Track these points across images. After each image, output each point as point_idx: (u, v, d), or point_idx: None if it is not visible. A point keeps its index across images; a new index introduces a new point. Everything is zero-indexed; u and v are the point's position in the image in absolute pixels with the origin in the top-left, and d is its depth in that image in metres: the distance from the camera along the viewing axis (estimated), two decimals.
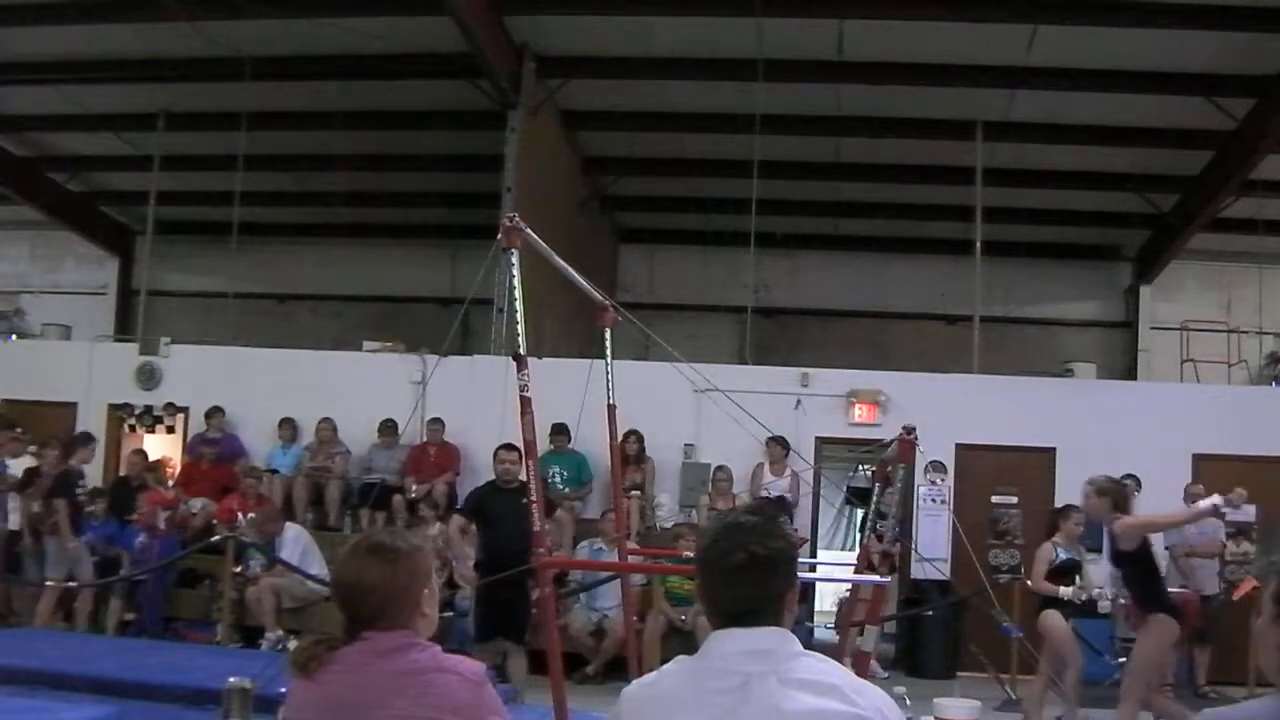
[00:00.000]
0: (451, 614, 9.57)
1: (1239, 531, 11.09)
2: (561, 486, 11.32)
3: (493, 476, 8.53)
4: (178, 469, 12.37)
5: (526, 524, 8.26)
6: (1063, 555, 8.29)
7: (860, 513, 13.33)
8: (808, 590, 11.09)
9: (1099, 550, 11.48)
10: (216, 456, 12.06)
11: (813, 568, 10.32)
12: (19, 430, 11.61)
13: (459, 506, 9.38)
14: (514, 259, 4.79)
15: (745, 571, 2.13)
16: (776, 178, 13.77)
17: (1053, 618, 8.13)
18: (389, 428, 11.70)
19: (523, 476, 8.31)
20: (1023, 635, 8.61)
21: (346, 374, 12.60)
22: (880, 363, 13.54)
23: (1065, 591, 8.10)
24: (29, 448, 11.52)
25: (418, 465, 11.71)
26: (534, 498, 4.78)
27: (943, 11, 11.36)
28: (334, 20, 11.57)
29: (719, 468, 11.37)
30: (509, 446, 8.46)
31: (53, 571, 10.36)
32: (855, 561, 8.61)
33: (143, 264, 16.06)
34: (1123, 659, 8.78)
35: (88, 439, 11.50)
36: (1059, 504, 11.65)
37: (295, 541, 10.53)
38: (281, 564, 10.25)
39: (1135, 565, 7.24)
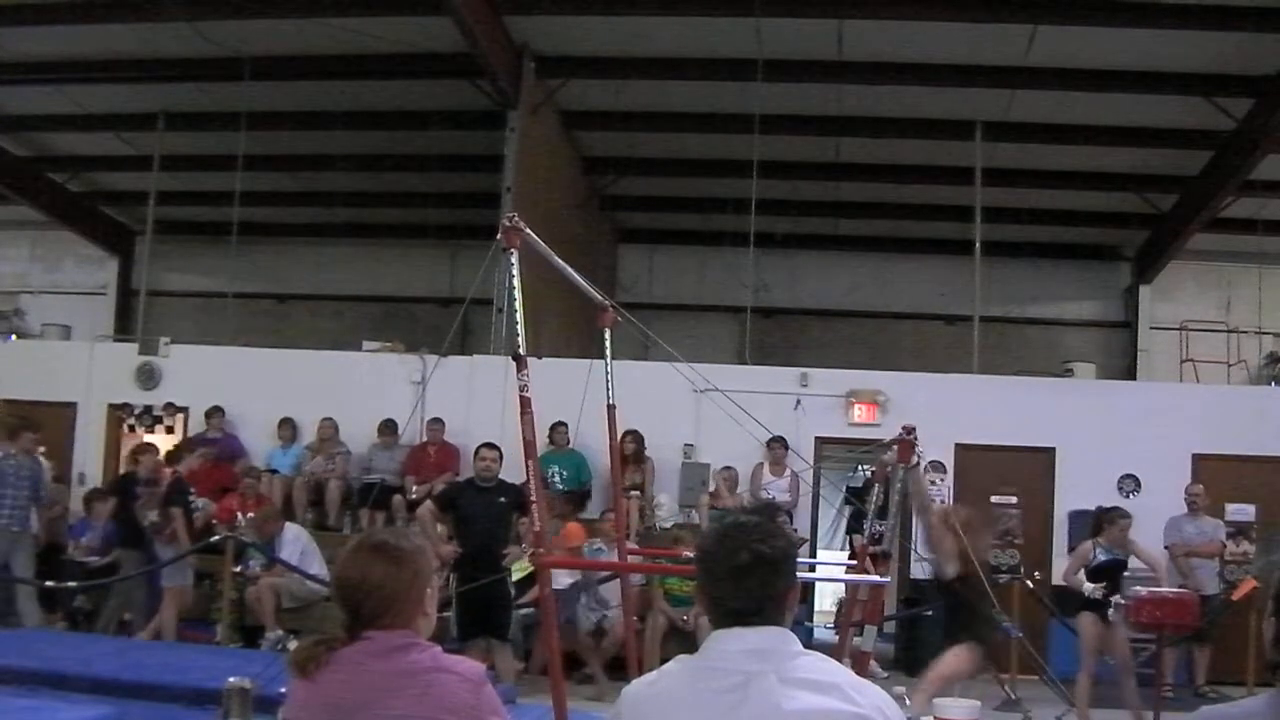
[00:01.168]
0: (450, 614, 9.57)
1: (1238, 531, 11.10)
2: (560, 486, 11.33)
3: None
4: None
5: (499, 522, 8.43)
6: (1102, 556, 8.37)
7: (849, 511, 13.30)
8: (808, 590, 11.10)
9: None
10: (216, 457, 12.06)
11: (812, 568, 10.32)
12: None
13: (433, 495, 9.47)
14: (514, 259, 4.79)
15: (750, 571, 2.14)
16: (776, 178, 13.77)
17: (1085, 619, 8.23)
18: (389, 428, 11.71)
19: (503, 476, 8.45)
20: (1022, 635, 8.61)
21: (346, 374, 12.60)
22: (880, 363, 13.54)
23: (1089, 587, 8.19)
24: (39, 449, 11.54)
25: (418, 465, 11.71)
26: (534, 497, 4.78)
27: (943, 11, 11.36)
28: (334, 20, 11.56)
29: (724, 467, 11.37)
30: (490, 445, 8.50)
31: (169, 580, 10.10)
32: (854, 561, 8.61)
33: (142, 264, 16.05)
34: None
35: (192, 444, 11.24)
36: (1058, 504, 11.74)
37: (295, 541, 10.52)
38: (281, 564, 10.25)
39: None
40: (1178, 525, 10.63)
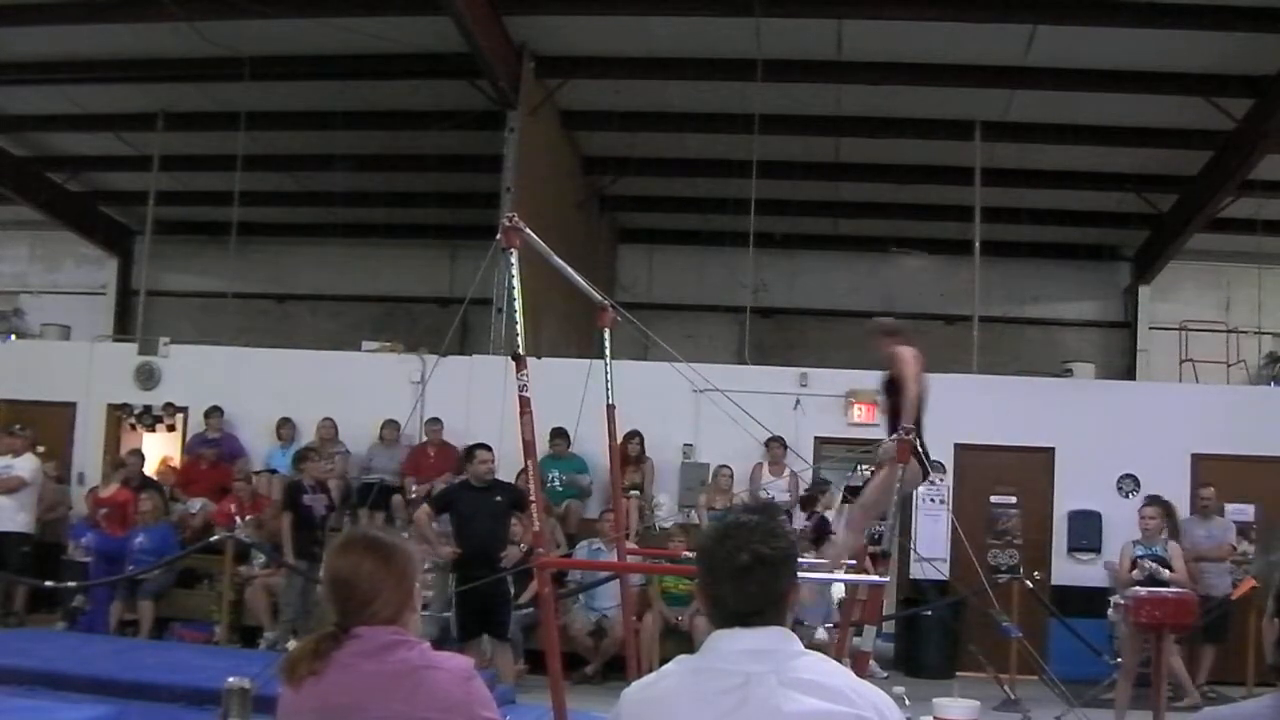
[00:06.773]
0: (450, 614, 9.57)
1: (1238, 531, 11.07)
2: (559, 489, 11.33)
3: None
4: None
5: (497, 522, 8.44)
6: (1140, 552, 8.46)
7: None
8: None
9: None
10: (216, 457, 12.07)
11: (812, 568, 10.30)
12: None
13: (428, 497, 9.49)
14: (513, 259, 4.80)
15: (751, 571, 2.14)
16: (776, 178, 13.77)
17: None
18: (392, 427, 11.70)
19: (500, 476, 8.46)
20: (1021, 635, 8.62)
21: (346, 374, 12.60)
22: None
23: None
24: (38, 448, 11.56)
25: (417, 465, 11.71)
26: (533, 497, 4.78)
27: (942, 11, 11.36)
28: (334, 20, 11.56)
29: (721, 466, 11.37)
30: (485, 447, 8.49)
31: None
32: (854, 561, 8.59)
33: (142, 264, 16.04)
34: (1119, 659, 8.80)
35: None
36: (1057, 504, 11.76)
37: None
38: (282, 564, 10.25)
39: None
40: (1187, 529, 10.53)
